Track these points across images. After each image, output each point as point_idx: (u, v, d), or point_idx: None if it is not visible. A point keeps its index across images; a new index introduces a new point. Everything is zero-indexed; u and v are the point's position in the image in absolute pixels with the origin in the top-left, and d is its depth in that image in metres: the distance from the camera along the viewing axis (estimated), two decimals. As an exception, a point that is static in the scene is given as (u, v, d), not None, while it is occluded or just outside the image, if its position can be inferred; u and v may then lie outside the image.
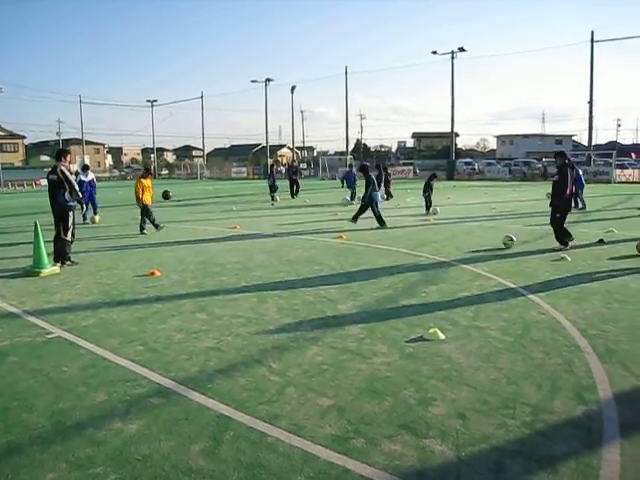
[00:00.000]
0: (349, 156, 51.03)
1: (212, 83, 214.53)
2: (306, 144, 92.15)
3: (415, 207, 18.33)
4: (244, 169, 62.81)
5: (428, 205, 16.62)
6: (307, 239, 11.79)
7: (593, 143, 46.47)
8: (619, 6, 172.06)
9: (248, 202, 23.68)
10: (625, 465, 2.95)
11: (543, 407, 3.63)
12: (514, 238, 10.16)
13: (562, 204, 9.73)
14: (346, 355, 4.67)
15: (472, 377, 4.15)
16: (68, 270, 8.72)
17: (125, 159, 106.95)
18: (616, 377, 4.09)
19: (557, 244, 9.77)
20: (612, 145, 61.47)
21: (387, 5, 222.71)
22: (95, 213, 16.36)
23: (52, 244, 8.99)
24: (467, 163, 50.28)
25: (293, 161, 37.96)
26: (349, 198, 21.15)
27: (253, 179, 55.26)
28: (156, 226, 13.19)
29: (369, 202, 13.57)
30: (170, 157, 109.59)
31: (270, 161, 52.58)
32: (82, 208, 15.32)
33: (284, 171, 43.15)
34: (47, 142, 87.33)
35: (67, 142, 75.70)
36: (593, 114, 41.21)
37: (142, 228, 13.18)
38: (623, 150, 54.30)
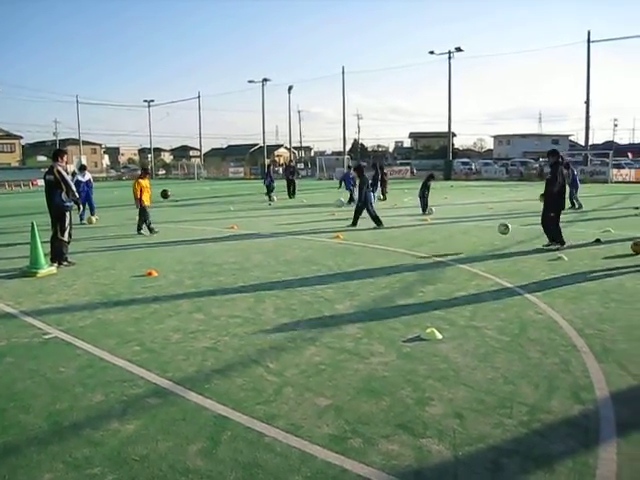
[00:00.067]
0: (346, 156, 50.95)
1: (209, 83, 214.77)
2: (303, 144, 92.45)
3: (412, 207, 18.32)
4: (241, 169, 62.85)
5: (424, 206, 16.55)
6: (304, 239, 11.79)
7: (590, 143, 46.59)
8: (617, 6, 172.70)
9: (245, 202, 23.66)
10: (622, 464, 2.96)
11: (540, 406, 3.64)
12: (509, 225, 10.16)
13: (552, 201, 9.78)
14: (343, 355, 4.68)
15: (469, 377, 4.16)
16: (65, 270, 8.70)
17: (122, 159, 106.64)
18: (613, 376, 4.11)
19: (546, 242, 9.89)
20: (609, 145, 61.73)
21: (384, 5, 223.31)
22: (92, 214, 16.32)
23: (49, 244, 8.97)
24: (464, 163, 50.30)
25: (290, 161, 37.98)
26: (344, 200, 21.11)
27: (250, 179, 55.22)
28: (150, 230, 13.12)
29: (364, 203, 13.57)
30: (167, 157, 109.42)
31: (267, 161, 52.58)
32: (79, 208, 15.35)
33: (281, 171, 43.13)
34: (44, 142, 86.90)
35: (64, 142, 75.35)
36: (590, 114, 41.42)
37: (139, 228, 13.15)
38: (620, 150, 54.57)
